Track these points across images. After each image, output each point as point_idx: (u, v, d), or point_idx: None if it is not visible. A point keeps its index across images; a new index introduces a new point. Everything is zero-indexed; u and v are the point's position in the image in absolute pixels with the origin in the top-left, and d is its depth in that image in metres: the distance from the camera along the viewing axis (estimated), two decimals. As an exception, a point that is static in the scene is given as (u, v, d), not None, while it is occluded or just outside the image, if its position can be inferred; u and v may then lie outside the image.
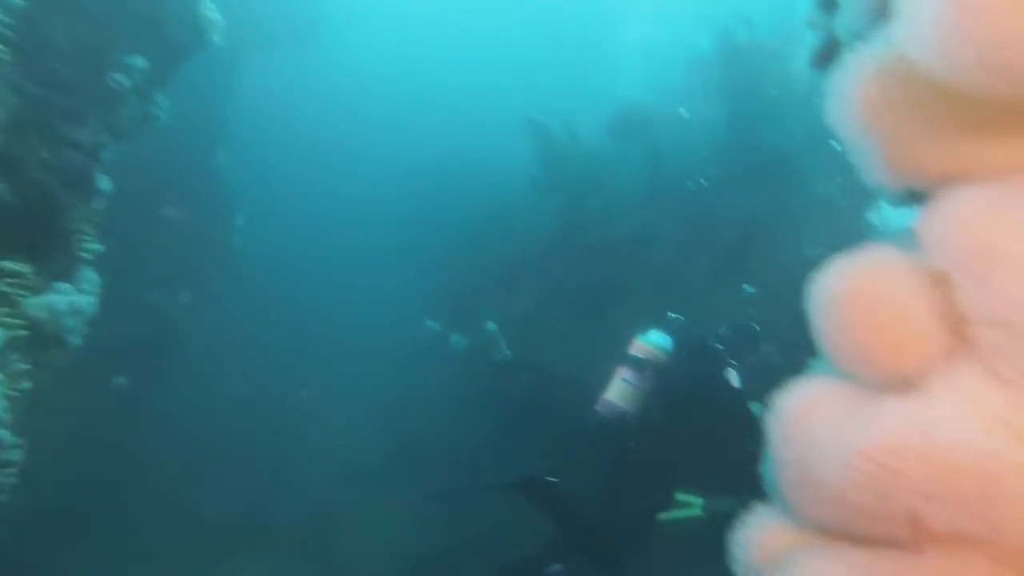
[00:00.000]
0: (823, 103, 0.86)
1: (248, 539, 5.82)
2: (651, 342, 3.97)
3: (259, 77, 9.11)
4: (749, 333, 4.19)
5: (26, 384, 3.47)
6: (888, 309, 0.76)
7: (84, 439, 5.54)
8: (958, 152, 0.76)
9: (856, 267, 0.81)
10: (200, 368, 7.03)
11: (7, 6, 3.17)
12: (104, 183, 4.05)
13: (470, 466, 5.59)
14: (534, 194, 6.60)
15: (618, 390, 3.87)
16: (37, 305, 3.49)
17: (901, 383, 0.76)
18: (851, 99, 0.80)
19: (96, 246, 4.01)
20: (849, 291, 0.80)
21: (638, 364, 3.89)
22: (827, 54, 1.31)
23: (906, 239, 0.82)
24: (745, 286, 4.96)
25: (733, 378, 3.83)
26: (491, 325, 6.28)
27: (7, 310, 3.35)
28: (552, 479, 3.67)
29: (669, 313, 4.40)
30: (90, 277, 3.95)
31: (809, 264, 0.85)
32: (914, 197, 0.88)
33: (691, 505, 3.84)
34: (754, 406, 3.62)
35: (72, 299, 3.68)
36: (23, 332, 3.42)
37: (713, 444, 3.61)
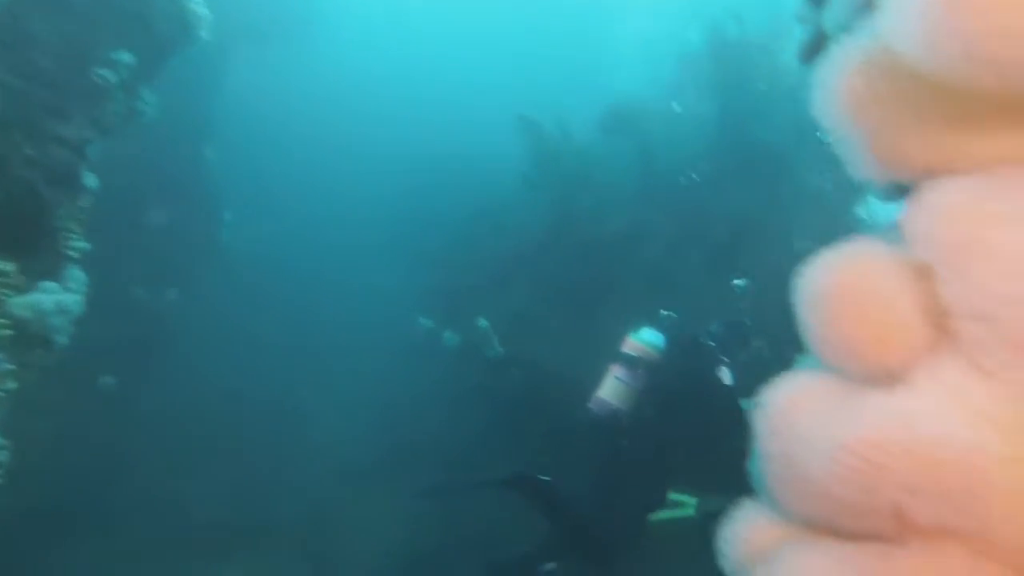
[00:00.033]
0: (812, 97, 0.86)
1: (239, 538, 5.80)
2: (644, 340, 3.96)
3: (249, 73, 9.04)
4: (741, 330, 4.19)
5: (11, 384, 3.43)
6: (873, 302, 0.76)
7: (72, 439, 5.49)
8: (942, 144, 0.76)
9: (841, 260, 0.81)
10: (189, 366, 6.98)
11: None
12: (90, 180, 4.00)
13: (463, 463, 5.58)
14: (526, 191, 6.59)
15: (611, 388, 3.86)
16: (22, 304, 3.45)
17: (886, 377, 0.76)
18: (836, 91, 0.79)
19: (82, 244, 3.97)
20: (834, 284, 0.79)
21: (630, 362, 3.88)
22: (815, 48, 1.30)
23: (893, 233, 0.82)
24: (736, 281, 4.97)
25: (726, 376, 3.84)
26: (483, 322, 6.28)
27: (-8, 309, 3.31)
28: (545, 478, 3.66)
29: (662, 311, 4.40)
30: (76, 275, 3.90)
31: (800, 258, 0.85)
32: (901, 191, 0.88)
33: (685, 505, 3.85)
34: (745, 403, 3.63)
35: (58, 298, 3.64)
36: (8, 332, 3.38)
37: (705, 442, 3.61)
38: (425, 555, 5.47)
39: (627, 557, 3.57)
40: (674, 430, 3.66)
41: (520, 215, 6.71)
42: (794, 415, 0.83)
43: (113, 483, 5.87)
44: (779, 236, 5.59)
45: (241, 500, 6.11)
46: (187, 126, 6.99)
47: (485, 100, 8.86)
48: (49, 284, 3.67)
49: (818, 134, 0.85)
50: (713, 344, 4.02)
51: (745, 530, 0.90)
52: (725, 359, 3.92)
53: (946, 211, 0.73)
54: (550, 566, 3.67)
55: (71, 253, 3.90)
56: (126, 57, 4.04)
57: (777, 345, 3.93)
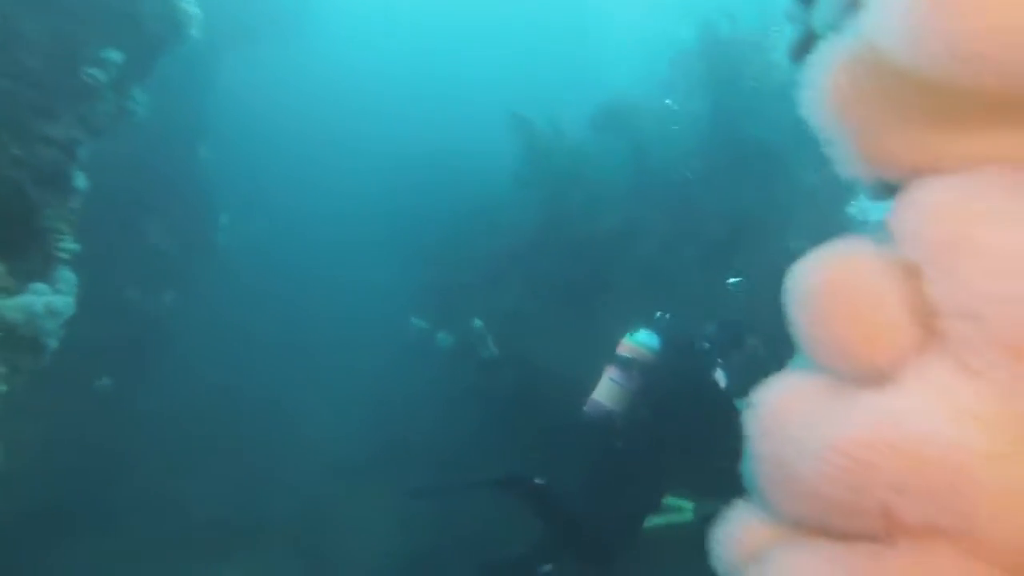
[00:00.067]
0: (802, 95, 0.85)
1: (236, 536, 5.79)
2: (639, 341, 3.94)
3: (242, 71, 9.00)
4: (736, 330, 4.18)
5: (2, 387, 3.41)
6: (862, 302, 0.76)
7: (67, 441, 5.46)
8: (928, 143, 0.75)
9: (830, 260, 0.81)
10: (185, 367, 6.96)
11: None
12: (80, 180, 3.97)
13: (457, 463, 5.58)
14: (519, 188, 6.58)
15: (605, 390, 3.84)
16: (12, 307, 3.42)
17: (875, 376, 0.76)
18: (823, 89, 0.79)
19: (72, 245, 3.94)
20: (823, 284, 0.79)
21: (625, 363, 3.86)
22: (805, 47, 1.30)
23: (882, 232, 0.82)
24: (730, 280, 4.97)
25: (721, 377, 3.83)
26: (477, 322, 6.27)
27: (-20, 311, 3.28)
28: (539, 480, 3.64)
29: (657, 312, 4.38)
30: (67, 277, 3.87)
31: (793, 256, 0.85)
32: (890, 190, 0.88)
33: (683, 510, 3.84)
34: (740, 404, 3.61)
35: (48, 300, 3.61)
36: (-2, 334, 3.36)
37: (700, 444, 3.60)
38: (421, 554, 5.47)
39: (622, 558, 3.56)
40: (669, 432, 3.64)
41: (513, 213, 6.71)
42: (784, 416, 0.83)
43: (110, 483, 5.86)
44: (773, 233, 5.60)
45: (237, 498, 6.10)
46: (180, 125, 6.96)
47: (477, 98, 8.86)
48: (39, 286, 3.64)
49: (811, 132, 0.85)
50: (708, 345, 4.01)
51: (737, 531, 0.90)
52: (720, 360, 3.91)
53: (932, 210, 0.73)
54: (547, 568, 3.66)
55: (61, 254, 3.86)
56: (116, 56, 4.01)
57: (772, 344, 3.92)
